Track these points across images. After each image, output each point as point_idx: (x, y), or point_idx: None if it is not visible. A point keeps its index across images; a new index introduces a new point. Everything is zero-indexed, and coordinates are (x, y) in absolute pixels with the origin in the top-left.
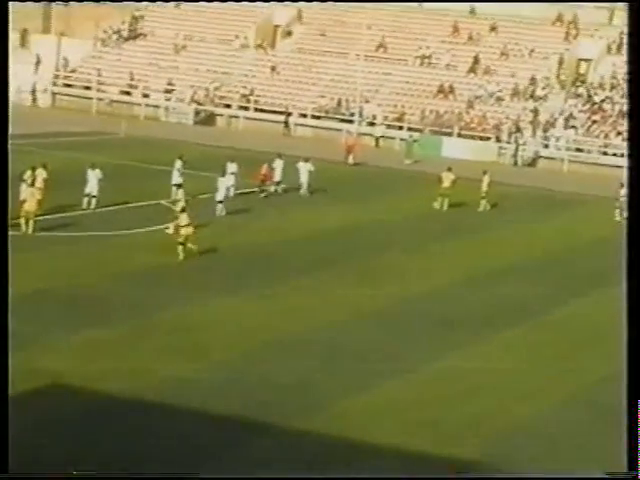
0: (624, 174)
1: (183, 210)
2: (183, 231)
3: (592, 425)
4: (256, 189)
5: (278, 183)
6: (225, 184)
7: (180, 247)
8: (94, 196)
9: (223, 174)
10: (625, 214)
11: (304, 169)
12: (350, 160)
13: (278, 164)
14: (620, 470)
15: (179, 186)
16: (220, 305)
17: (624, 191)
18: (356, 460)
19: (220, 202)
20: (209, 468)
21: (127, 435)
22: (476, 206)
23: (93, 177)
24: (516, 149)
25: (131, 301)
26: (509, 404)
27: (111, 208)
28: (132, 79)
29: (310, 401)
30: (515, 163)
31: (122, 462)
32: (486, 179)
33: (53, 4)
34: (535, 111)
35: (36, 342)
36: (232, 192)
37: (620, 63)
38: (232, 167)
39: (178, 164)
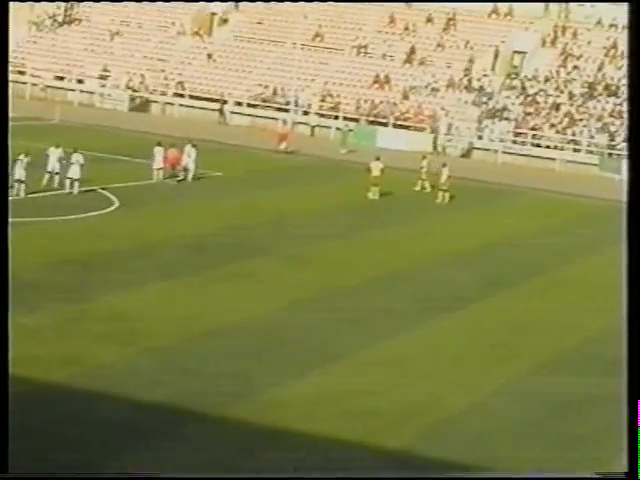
0: (555, 166)
1: None
2: None
3: (526, 415)
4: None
5: (185, 170)
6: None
7: None
8: (23, 181)
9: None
10: (428, 185)
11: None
12: (282, 147)
13: (189, 151)
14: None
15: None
16: (154, 292)
17: (425, 162)
18: (287, 448)
19: (70, 179)
20: (142, 456)
21: (57, 422)
22: (408, 196)
23: (21, 163)
24: (435, 137)
25: (62, 288)
26: (444, 392)
27: (43, 194)
28: (67, 64)
29: (244, 389)
30: (434, 148)
31: (52, 450)
32: (445, 171)
33: None
34: (471, 102)
35: None
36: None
37: (554, 56)
38: (159, 151)
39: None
